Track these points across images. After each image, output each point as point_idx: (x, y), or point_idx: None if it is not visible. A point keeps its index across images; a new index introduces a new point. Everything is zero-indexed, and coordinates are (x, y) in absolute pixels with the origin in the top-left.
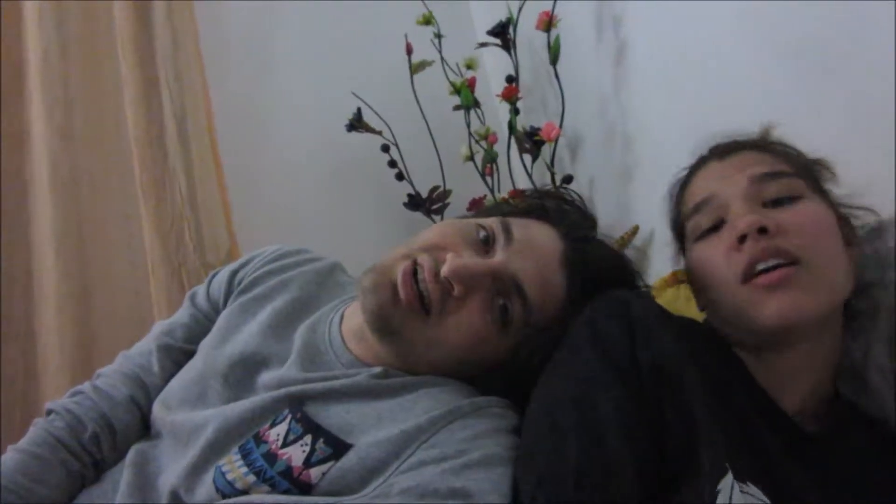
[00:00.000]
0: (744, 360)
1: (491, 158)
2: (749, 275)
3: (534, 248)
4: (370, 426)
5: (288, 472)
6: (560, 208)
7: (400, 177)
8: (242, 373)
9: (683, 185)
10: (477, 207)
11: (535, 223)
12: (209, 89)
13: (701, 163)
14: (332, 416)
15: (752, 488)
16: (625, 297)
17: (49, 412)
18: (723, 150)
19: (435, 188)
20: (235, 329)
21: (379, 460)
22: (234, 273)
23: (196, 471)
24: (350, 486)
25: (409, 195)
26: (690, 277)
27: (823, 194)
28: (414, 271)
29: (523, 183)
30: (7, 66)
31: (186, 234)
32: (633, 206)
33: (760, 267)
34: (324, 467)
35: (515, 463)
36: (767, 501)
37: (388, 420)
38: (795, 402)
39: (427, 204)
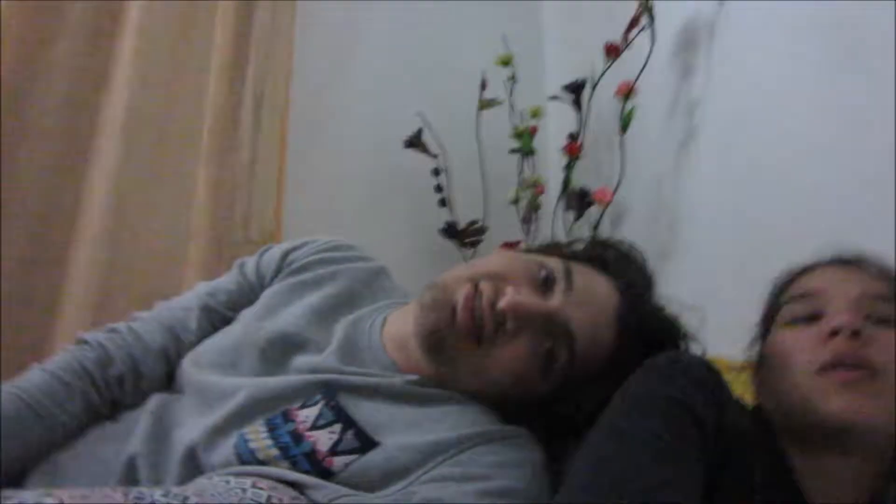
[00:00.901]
0: (791, 457)
1: (535, 207)
2: (827, 368)
3: (591, 299)
4: (399, 430)
5: (312, 454)
6: (621, 262)
7: (443, 203)
8: (280, 350)
9: (792, 277)
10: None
11: (595, 274)
12: (292, 78)
13: (819, 263)
14: (363, 411)
15: None
16: (702, 362)
17: (82, 341)
18: (846, 260)
19: (473, 222)
20: (280, 307)
21: (403, 465)
22: (287, 253)
23: (218, 433)
24: (370, 482)
25: (448, 223)
26: (764, 361)
27: None
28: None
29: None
30: (105, 10)
31: (237, 207)
32: (666, 286)
33: (840, 366)
34: (348, 458)
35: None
36: None
37: (417, 427)
38: None
39: (462, 236)
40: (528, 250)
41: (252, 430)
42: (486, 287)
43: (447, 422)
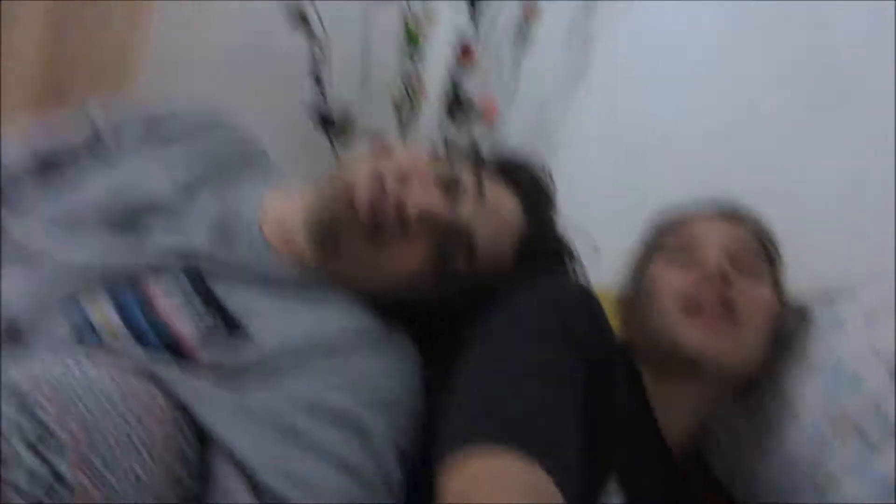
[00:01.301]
0: (647, 382)
1: (414, 110)
2: (693, 307)
3: (499, 216)
4: (276, 321)
5: (169, 337)
6: (531, 184)
7: (320, 91)
8: (135, 217)
9: (669, 221)
10: (378, 147)
11: (504, 191)
12: None
13: (698, 211)
14: (235, 296)
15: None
16: (580, 287)
17: None
18: (720, 210)
19: (345, 114)
20: (140, 173)
21: (281, 364)
22: (155, 118)
23: (48, 303)
24: (238, 376)
25: (321, 113)
26: (636, 295)
27: (778, 293)
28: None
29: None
30: None
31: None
32: None
33: (706, 306)
34: (213, 346)
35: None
36: None
37: (296, 321)
38: (673, 434)
39: (336, 129)
40: (442, 154)
41: (92, 302)
42: (392, 186)
43: (328, 316)
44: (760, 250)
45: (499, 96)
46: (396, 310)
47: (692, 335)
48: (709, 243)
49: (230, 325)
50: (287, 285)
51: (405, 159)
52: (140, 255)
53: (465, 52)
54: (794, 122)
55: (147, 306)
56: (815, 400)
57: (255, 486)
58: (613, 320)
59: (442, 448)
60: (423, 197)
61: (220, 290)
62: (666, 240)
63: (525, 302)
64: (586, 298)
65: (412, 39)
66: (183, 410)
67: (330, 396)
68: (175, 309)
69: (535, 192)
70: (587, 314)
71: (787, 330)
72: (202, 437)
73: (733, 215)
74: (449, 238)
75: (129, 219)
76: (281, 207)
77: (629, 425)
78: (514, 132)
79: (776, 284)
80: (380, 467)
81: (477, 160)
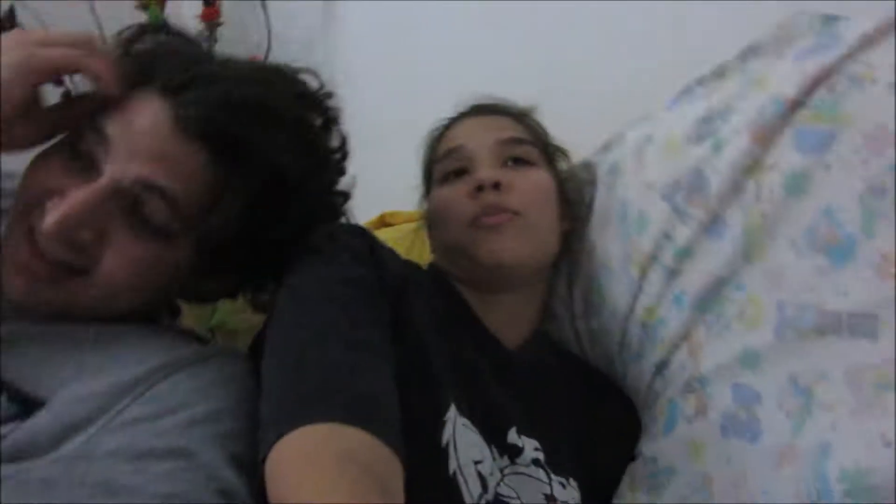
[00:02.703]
0: (469, 298)
1: None
2: (476, 219)
3: (137, 137)
4: (69, 378)
5: None
6: (151, 56)
7: None
8: None
9: (440, 133)
10: None
11: (129, 103)
12: None
13: (459, 117)
14: (19, 366)
15: (465, 420)
16: (353, 229)
17: None
18: (481, 109)
19: None
20: None
21: (80, 417)
22: None
23: None
24: (41, 447)
25: None
26: (430, 217)
27: (553, 169)
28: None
29: None
30: None
31: None
32: None
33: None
34: (6, 428)
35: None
36: (476, 431)
37: (93, 371)
38: (513, 337)
39: None
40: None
41: None
42: (38, 223)
43: (131, 357)
44: (524, 134)
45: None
46: (198, 291)
47: (484, 246)
48: (473, 148)
49: (19, 399)
50: (79, 338)
51: (31, 184)
52: None
53: (207, 8)
54: None
55: None
56: (615, 247)
57: None
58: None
59: (260, 452)
60: (51, 212)
61: (2, 367)
62: (437, 156)
63: (304, 272)
64: (363, 239)
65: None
66: None
67: (142, 433)
68: None
69: (158, 60)
70: (369, 256)
71: (581, 190)
72: None
73: (489, 108)
74: (122, 208)
75: None
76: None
77: (453, 346)
78: None
79: (549, 158)
80: (211, 481)
81: (87, 101)
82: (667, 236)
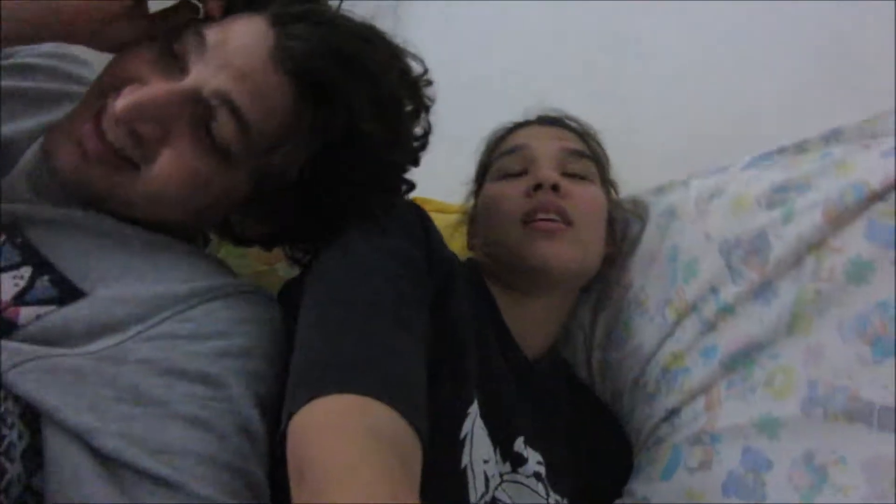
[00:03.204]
0: (498, 299)
1: None
2: (530, 218)
3: (232, 52)
4: (113, 277)
5: None
6: None
7: None
8: None
9: (504, 134)
10: None
11: (236, 20)
12: None
13: (525, 123)
14: (65, 252)
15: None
16: (409, 205)
17: None
18: (547, 120)
19: None
20: None
21: (118, 319)
22: None
23: None
24: (70, 338)
25: None
26: (479, 211)
27: (607, 188)
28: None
29: None
30: None
31: None
32: None
33: (541, 216)
34: (41, 309)
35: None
36: (486, 431)
37: (137, 276)
38: (534, 347)
39: None
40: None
41: None
42: (110, 104)
43: (175, 272)
44: (586, 150)
45: None
46: (243, 224)
47: (533, 244)
48: (537, 151)
49: (59, 283)
50: (127, 239)
51: (114, 67)
52: None
53: None
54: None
55: None
56: (656, 288)
57: (96, 453)
58: (455, 239)
59: (287, 406)
60: (126, 95)
61: (47, 246)
62: (498, 153)
63: (357, 238)
64: (418, 217)
65: None
66: None
67: (175, 350)
68: None
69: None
70: (422, 235)
71: (625, 223)
72: (34, 416)
73: (556, 120)
74: (193, 114)
75: None
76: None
77: (480, 344)
78: None
79: (605, 182)
80: (235, 416)
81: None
82: (713, 290)
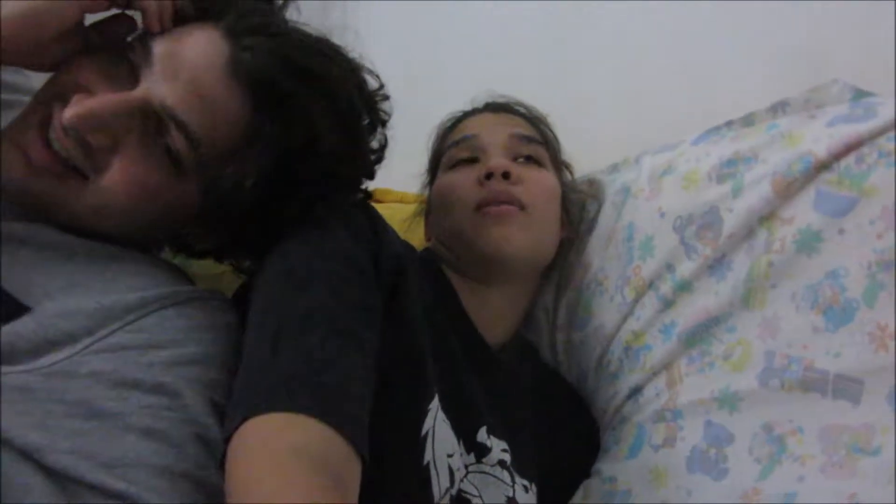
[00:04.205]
0: (458, 289)
1: None
2: (483, 205)
3: (182, 64)
4: (58, 290)
5: None
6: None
7: None
8: None
9: (453, 123)
10: None
11: (189, 30)
12: None
13: (474, 111)
14: (7, 267)
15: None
16: (357, 204)
17: None
18: (497, 106)
19: None
20: None
21: (65, 333)
22: None
23: None
24: (16, 354)
25: None
26: (433, 202)
27: (559, 173)
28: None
29: None
30: None
31: None
32: None
33: (494, 203)
34: None
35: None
36: (449, 424)
37: (83, 288)
38: (497, 335)
39: None
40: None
41: None
42: (57, 112)
43: (124, 281)
44: (536, 135)
45: None
46: (197, 236)
47: (486, 230)
48: (486, 139)
49: (4, 300)
50: (73, 250)
51: (63, 75)
52: None
53: None
54: None
55: None
56: (614, 267)
57: (47, 471)
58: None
59: (224, 429)
60: (75, 103)
61: None
62: (448, 142)
63: (298, 242)
64: (365, 215)
65: None
66: None
67: (127, 361)
68: None
69: (231, 2)
70: (369, 234)
71: (581, 205)
72: None
73: (504, 107)
74: (143, 125)
75: None
76: None
77: (439, 337)
78: None
79: (557, 165)
80: (191, 425)
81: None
82: (669, 267)
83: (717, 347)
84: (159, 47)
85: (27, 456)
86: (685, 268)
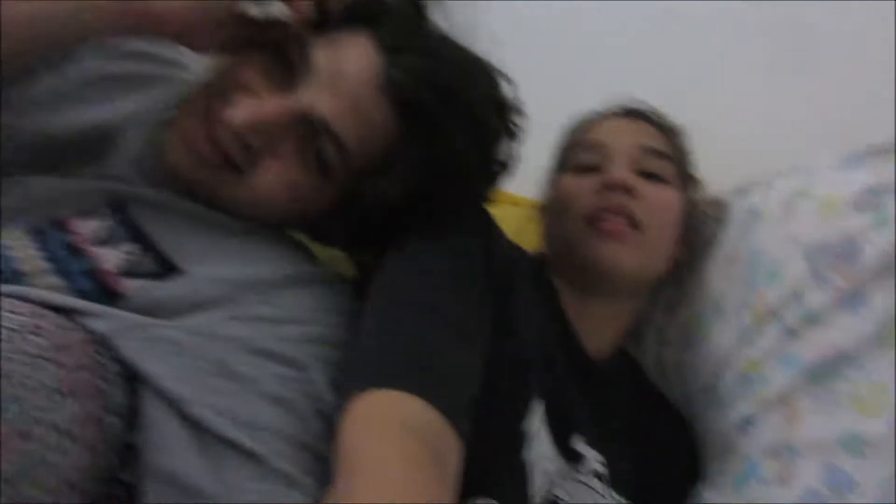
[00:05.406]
0: (563, 295)
1: None
2: (596, 218)
3: (343, 78)
4: (206, 258)
5: (92, 273)
6: (378, 6)
7: None
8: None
9: (583, 124)
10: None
11: (346, 38)
12: None
13: (607, 114)
14: (164, 233)
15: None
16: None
17: None
18: (631, 113)
19: None
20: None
21: (210, 298)
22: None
23: None
24: (169, 311)
25: None
26: (548, 204)
27: (685, 190)
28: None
29: None
30: None
31: None
32: None
33: (607, 217)
34: (144, 282)
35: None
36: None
37: (228, 259)
38: (597, 346)
39: None
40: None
41: (10, 236)
42: (221, 112)
43: (264, 256)
44: (667, 147)
45: None
46: (328, 231)
47: (594, 245)
48: (612, 147)
49: (159, 260)
50: (220, 224)
51: (228, 71)
52: (65, 185)
53: None
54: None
55: (69, 242)
56: (735, 291)
57: (187, 420)
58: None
59: (342, 391)
60: (245, 107)
61: (148, 226)
62: (575, 145)
63: (421, 238)
64: (480, 214)
65: None
66: (103, 345)
67: (262, 332)
68: (100, 245)
69: (387, 14)
70: (485, 233)
71: (704, 223)
72: (130, 377)
73: (639, 114)
74: (300, 133)
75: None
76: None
77: (542, 341)
78: None
79: (684, 180)
80: (315, 400)
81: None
82: (797, 295)
83: (845, 387)
84: (320, 56)
85: (172, 403)
86: (815, 298)
